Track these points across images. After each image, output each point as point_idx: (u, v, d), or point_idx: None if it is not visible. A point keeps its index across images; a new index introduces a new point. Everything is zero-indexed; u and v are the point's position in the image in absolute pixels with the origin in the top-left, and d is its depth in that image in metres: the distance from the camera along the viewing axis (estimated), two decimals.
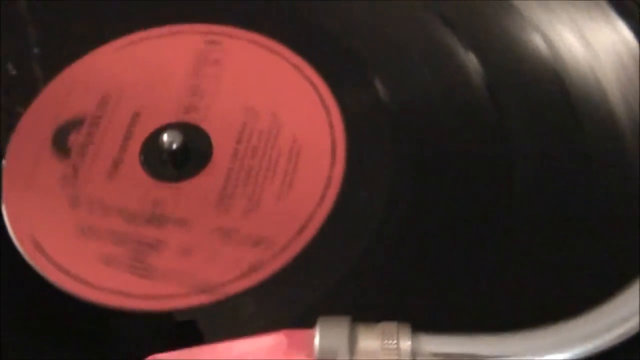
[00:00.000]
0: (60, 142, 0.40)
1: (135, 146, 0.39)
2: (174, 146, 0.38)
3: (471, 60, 0.41)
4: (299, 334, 0.32)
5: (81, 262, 0.36)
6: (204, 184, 0.38)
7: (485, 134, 0.39)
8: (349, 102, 0.40)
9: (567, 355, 0.31)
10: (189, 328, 0.35)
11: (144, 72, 0.42)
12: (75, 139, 0.40)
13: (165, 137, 0.38)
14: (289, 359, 0.31)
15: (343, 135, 0.39)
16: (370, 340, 0.31)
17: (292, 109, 0.40)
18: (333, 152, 0.38)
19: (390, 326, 0.32)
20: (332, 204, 0.37)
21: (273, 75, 0.41)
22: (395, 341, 0.31)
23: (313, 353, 0.31)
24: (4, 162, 0.39)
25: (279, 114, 0.40)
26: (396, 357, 0.31)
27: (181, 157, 0.38)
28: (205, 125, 0.39)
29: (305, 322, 0.32)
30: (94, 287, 0.36)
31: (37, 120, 0.41)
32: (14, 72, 0.42)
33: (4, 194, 0.38)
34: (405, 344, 0.31)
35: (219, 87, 0.41)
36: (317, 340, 0.31)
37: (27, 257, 0.37)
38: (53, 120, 0.40)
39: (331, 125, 0.39)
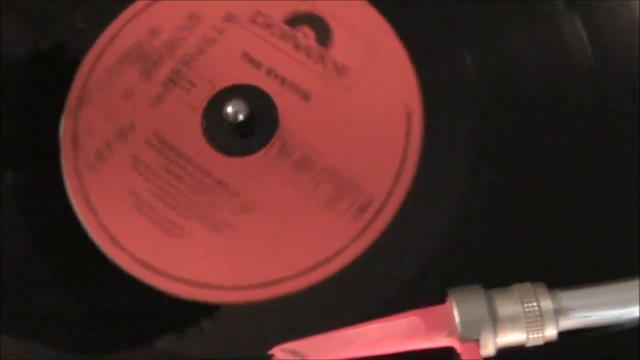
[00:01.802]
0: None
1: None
2: (240, 117, 0.34)
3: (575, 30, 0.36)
4: (433, 312, 0.30)
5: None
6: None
7: (580, 113, 0.35)
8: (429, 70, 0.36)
9: None
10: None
11: None
12: None
13: (229, 108, 0.34)
14: (430, 342, 0.29)
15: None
16: (509, 306, 0.30)
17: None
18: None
19: (525, 287, 0.30)
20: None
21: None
22: (535, 303, 0.29)
23: (455, 330, 0.29)
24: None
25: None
26: (540, 319, 0.29)
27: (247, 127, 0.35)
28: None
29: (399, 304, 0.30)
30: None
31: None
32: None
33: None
34: (546, 302, 0.30)
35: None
36: (457, 316, 0.29)
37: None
38: None
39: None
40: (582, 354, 0.31)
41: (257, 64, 0.36)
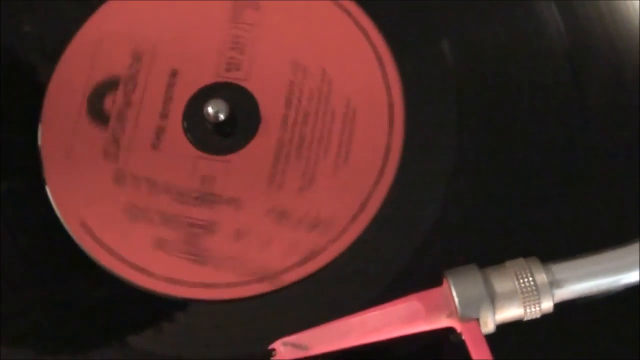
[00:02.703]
0: (96, 107, 0.36)
1: (177, 111, 0.35)
2: (220, 117, 0.34)
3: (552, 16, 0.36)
4: (432, 294, 0.30)
5: (132, 246, 0.34)
6: (253, 157, 0.35)
7: (559, 101, 0.35)
8: (409, 59, 0.36)
9: None
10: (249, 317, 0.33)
11: (176, 22, 0.37)
12: (111, 103, 0.36)
13: (210, 108, 0.34)
14: (430, 324, 0.30)
15: (401, 98, 0.35)
16: (505, 282, 0.30)
17: (343, 63, 0.36)
18: (391, 117, 0.35)
19: (519, 263, 0.31)
20: (393, 177, 0.34)
21: (320, 22, 0.37)
22: (530, 277, 0.30)
23: (454, 311, 0.30)
24: (39, 137, 0.36)
25: (330, 70, 0.36)
26: (536, 292, 0.30)
27: (228, 126, 0.35)
28: (249, 86, 0.36)
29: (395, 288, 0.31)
30: (148, 274, 0.34)
31: (66, 85, 0.36)
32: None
33: (46, 170, 0.35)
34: (541, 276, 0.30)
35: (261, 37, 0.36)
36: (455, 296, 0.30)
37: (76, 239, 0.34)
38: (85, 83, 0.36)
39: (388, 86, 0.35)
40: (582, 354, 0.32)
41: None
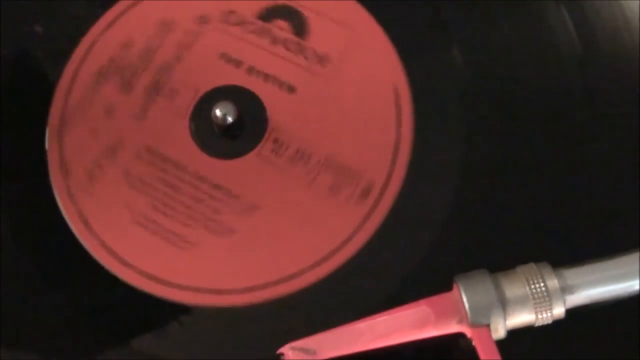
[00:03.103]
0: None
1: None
2: (229, 119, 0.34)
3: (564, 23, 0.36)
4: (441, 300, 0.30)
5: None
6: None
7: (570, 108, 0.35)
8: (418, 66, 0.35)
9: None
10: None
11: None
12: None
13: (217, 111, 0.34)
14: (440, 330, 0.30)
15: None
16: (516, 288, 0.30)
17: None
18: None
19: (530, 268, 0.30)
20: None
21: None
22: (542, 283, 0.30)
23: (465, 317, 0.29)
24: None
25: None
26: (547, 298, 0.29)
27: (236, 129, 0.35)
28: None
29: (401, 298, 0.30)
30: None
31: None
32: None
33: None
34: (552, 281, 0.30)
35: None
36: (466, 302, 0.29)
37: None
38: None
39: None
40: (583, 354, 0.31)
41: (237, 63, 0.36)
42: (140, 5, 0.37)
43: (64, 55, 0.37)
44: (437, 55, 0.36)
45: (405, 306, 0.30)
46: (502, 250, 0.33)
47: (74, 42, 0.37)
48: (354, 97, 0.35)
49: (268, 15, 0.37)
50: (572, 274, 0.30)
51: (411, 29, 0.37)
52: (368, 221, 0.33)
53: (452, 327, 0.30)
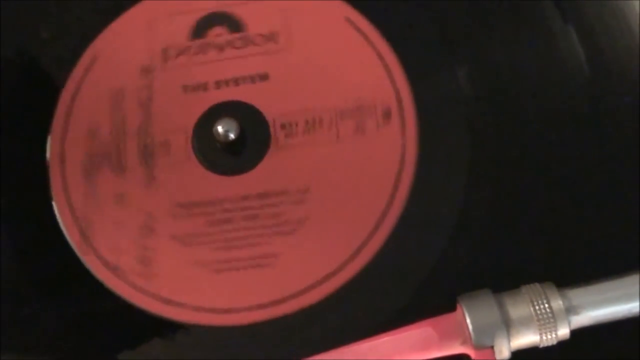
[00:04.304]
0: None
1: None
2: (231, 136, 0.34)
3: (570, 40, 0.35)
4: (444, 320, 0.30)
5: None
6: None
7: (577, 130, 0.34)
8: (423, 86, 0.35)
9: None
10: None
11: None
12: None
13: (219, 127, 0.34)
14: (443, 351, 0.29)
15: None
16: (521, 308, 0.29)
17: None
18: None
19: (535, 288, 0.30)
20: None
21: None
22: (546, 303, 0.29)
23: (468, 338, 0.29)
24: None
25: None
26: (552, 319, 0.29)
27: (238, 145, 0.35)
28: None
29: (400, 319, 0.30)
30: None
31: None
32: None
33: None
34: (557, 302, 0.29)
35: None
36: (469, 323, 0.29)
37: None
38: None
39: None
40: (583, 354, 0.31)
41: (203, 87, 0.36)
42: (84, 89, 0.37)
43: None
44: (443, 82, 0.36)
45: (409, 327, 0.30)
46: (506, 271, 0.33)
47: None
48: (325, 48, 0.36)
49: (198, 31, 0.37)
50: (577, 294, 0.30)
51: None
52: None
53: (455, 349, 0.29)
